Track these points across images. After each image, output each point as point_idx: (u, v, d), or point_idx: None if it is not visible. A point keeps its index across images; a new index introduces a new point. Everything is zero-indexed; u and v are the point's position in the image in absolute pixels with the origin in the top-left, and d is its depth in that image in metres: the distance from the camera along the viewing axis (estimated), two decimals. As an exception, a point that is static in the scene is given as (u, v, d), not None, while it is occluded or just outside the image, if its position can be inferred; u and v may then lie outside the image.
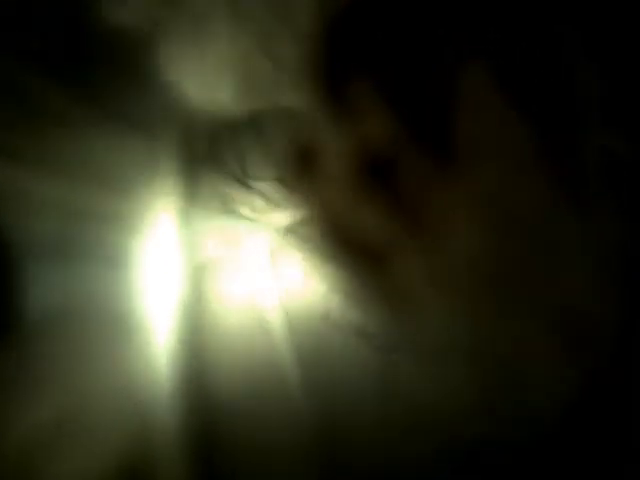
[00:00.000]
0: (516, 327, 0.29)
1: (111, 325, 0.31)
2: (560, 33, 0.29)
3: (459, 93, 0.29)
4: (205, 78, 0.32)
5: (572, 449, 0.29)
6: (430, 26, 0.29)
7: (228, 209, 0.32)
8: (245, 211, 0.32)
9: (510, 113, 0.29)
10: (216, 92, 0.32)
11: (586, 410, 0.28)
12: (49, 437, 0.30)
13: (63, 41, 0.31)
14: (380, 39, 0.29)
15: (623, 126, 0.29)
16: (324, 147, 0.30)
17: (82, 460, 0.30)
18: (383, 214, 0.30)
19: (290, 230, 0.32)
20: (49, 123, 0.31)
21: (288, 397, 0.31)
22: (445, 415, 0.29)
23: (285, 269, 0.32)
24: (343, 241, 0.30)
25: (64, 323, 0.30)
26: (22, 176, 0.31)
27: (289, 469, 0.31)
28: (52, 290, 0.31)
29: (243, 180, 0.32)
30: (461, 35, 0.29)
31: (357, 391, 0.30)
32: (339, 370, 0.31)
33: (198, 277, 0.32)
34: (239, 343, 0.31)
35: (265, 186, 0.32)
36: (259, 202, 0.32)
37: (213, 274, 0.32)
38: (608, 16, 0.29)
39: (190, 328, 0.31)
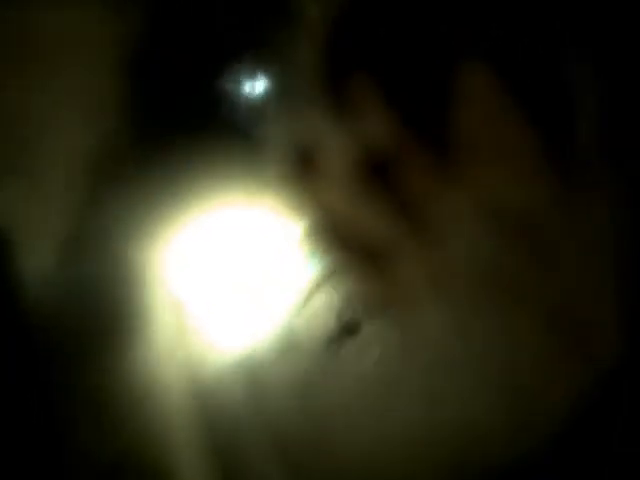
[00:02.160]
0: (516, 327, 0.29)
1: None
2: (560, 31, 0.29)
3: (460, 92, 0.29)
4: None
5: (574, 452, 0.29)
6: (430, 24, 0.29)
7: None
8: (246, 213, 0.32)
9: (511, 112, 0.29)
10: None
11: (589, 412, 0.28)
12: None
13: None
14: (380, 37, 0.29)
15: (624, 125, 0.30)
16: (324, 146, 0.30)
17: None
18: (384, 213, 0.30)
19: (290, 230, 0.32)
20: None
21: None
22: (447, 424, 0.29)
23: (285, 269, 0.32)
24: (343, 240, 0.30)
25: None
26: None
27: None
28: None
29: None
30: (461, 33, 0.29)
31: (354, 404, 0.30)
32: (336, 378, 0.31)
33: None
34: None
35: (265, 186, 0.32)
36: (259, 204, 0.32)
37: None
38: (609, 15, 0.29)
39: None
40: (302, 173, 0.30)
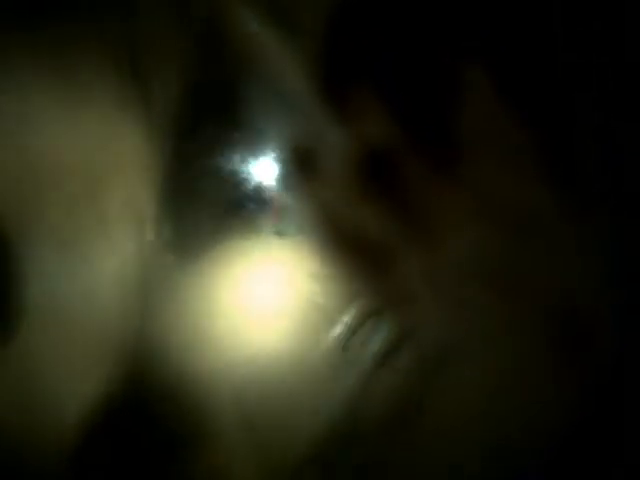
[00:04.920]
0: (516, 327, 0.29)
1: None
2: (557, 33, 0.29)
3: (459, 94, 0.29)
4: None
5: (574, 452, 0.29)
6: (430, 26, 0.30)
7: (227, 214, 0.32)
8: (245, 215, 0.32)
9: (510, 113, 0.29)
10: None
11: (588, 412, 0.28)
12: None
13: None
14: (380, 39, 0.29)
15: (624, 125, 0.30)
16: (324, 148, 0.30)
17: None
18: (384, 215, 0.30)
19: (291, 232, 0.32)
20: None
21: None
22: (447, 424, 0.29)
23: (284, 271, 0.32)
24: (344, 242, 0.30)
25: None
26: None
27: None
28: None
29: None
30: (461, 35, 0.29)
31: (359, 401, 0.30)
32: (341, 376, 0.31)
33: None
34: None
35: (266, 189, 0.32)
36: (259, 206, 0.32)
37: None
38: (605, 16, 0.29)
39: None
40: (302, 175, 0.30)
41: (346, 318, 0.31)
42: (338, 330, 0.31)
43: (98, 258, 0.30)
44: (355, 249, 0.30)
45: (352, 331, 0.31)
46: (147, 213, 0.30)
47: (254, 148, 0.31)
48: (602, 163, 0.30)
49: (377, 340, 0.30)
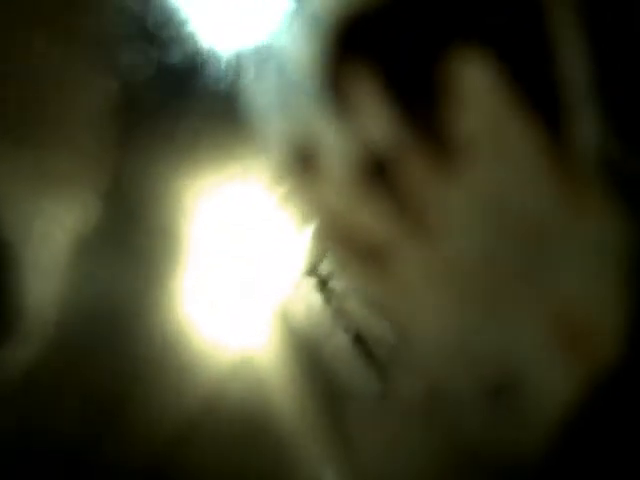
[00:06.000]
0: (516, 327, 0.29)
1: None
2: (558, 25, 0.29)
3: (461, 92, 0.29)
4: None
5: (574, 455, 0.29)
6: (431, 24, 0.29)
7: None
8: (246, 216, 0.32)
9: (512, 112, 0.29)
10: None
11: (588, 413, 0.28)
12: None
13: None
14: (380, 37, 0.29)
15: (624, 123, 0.29)
16: (324, 146, 0.30)
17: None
18: (383, 212, 0.30)
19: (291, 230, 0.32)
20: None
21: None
22: (444, 422, 0.29)
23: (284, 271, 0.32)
24: (343, 239, 0.30)
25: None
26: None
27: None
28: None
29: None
30: (464, 34, 0.29)
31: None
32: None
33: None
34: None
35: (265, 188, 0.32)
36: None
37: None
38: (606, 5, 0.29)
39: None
40: (302, 172, 0.30)
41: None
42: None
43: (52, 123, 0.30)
44: (355, 246, 0.30)
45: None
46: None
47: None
48: (605, 161, 0.29)
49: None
